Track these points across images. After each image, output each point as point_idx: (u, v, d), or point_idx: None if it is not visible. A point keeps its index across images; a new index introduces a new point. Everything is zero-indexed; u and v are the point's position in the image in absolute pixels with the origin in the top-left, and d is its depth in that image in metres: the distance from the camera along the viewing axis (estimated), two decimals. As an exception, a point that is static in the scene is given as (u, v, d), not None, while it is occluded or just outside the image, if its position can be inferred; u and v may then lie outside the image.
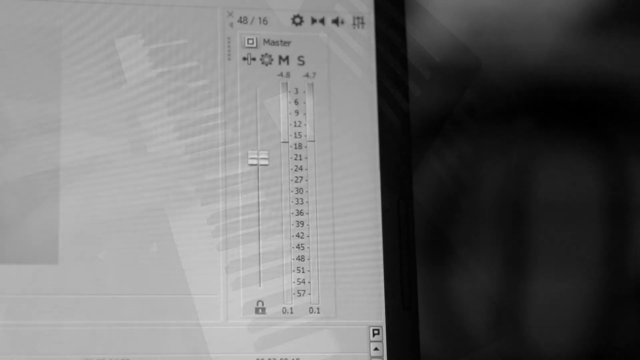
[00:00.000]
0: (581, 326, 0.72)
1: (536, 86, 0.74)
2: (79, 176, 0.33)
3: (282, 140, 0.34)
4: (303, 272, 0.34)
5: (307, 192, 0.34)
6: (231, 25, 0.35)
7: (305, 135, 0.34)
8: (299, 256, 0.34)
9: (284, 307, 0.33)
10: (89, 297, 0.32)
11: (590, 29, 0.73)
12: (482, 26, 0.71)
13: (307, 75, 0.35)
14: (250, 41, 0.35)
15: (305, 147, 0.34)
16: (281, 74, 0.35)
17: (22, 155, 0.33)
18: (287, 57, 0.35)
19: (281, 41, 0.35)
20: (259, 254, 0.33)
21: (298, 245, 0.34)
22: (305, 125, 0.34)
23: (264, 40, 0.35)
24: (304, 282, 0.33)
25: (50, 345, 0.32)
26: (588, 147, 0.75)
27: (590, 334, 0.72)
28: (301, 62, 0.35)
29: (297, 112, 0.35)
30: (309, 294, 0.33)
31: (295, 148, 0.34)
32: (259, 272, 0.33)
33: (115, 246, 0.33)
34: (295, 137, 0.34)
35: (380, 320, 0.34)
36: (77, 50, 0.34)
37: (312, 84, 0.35)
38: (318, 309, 0.33)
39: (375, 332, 0.33)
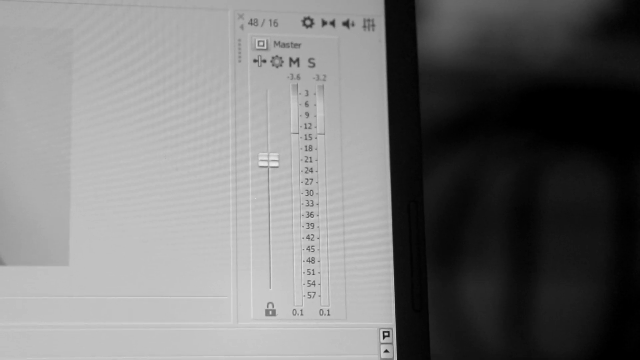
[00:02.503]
0: (589, 331, 0.72)
1: (544, 91, 0.74)
2: (90, 178, 0.33)
3: (292, 142, 0.34)
4: (313, 274, 0.33)
5: (317, 194, 0.34)
6: (242, 27, 0.35)
7: (316, 138, 0.34)
8: (309, 258, 0.34)
9: (294, 309, 0.33)
10: (100, 299, 0.32)
11: (598, 35, 0.73)
12: (490, 31, 0.71)
13: (317, 78, 0.35)
14: (261, 43, 0.35)
15: (316, 149, 0.34)
16: (291, 76, 0.35)
17: (33, 157, 0.33)
18: (297, 59, 0.35)
19: (292, 43, 0.35)
20: (269, 255, 0.33)
21: (308, 247, 0.34)
22: (315, 127, 0.34)
23: (275, 42, 0.35)
24: (314, 284, 0.33)
25: (61, 347, 0.32)
26: (597, 153, 0.75)
27: (599, 339, 0.72)
28: (312, 64, 0.35)
29: (307, 114, 0.35)
30: (319, 296, 0.33)
31: (306, 150, 0.34)
32: (270, 274, 0.33)
33: (126, 248, 0.33)
34: (306, 139, 0.34)
35: (391, 323, 0.33)
36: (88, 52, 0.34)
37: (323, 86, 0.35)
38: (328, 311, 0.33)
39: (386, 334, 0.33)
